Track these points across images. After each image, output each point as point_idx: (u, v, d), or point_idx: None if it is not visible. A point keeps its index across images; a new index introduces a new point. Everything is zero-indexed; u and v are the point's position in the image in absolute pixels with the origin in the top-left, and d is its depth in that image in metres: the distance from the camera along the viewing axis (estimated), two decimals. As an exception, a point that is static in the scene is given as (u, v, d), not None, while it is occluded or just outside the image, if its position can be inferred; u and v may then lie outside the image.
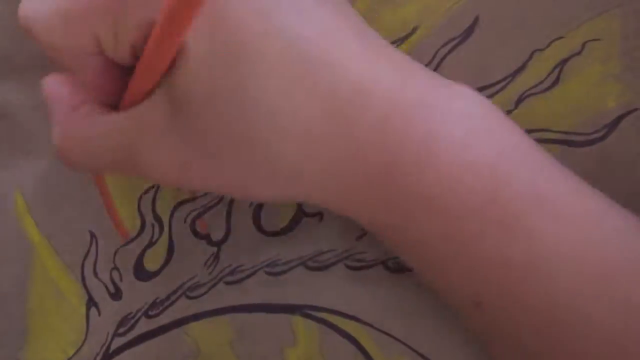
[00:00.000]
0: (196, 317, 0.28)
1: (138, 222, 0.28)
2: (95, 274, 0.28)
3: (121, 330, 0.28)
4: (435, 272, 0.24)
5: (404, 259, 0.25)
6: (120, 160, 0.23)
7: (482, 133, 0.23)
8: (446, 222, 0.22)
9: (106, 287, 0.28)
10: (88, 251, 0.28)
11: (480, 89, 0.28)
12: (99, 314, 0.28)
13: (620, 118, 0.28)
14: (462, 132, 0.22)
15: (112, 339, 0.28)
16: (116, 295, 0.28)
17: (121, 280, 0.28)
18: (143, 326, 0.28)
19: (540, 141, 0.28)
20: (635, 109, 0.28)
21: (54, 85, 0.24)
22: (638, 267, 0.22)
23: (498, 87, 0.28)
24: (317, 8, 0.22)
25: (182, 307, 0.28)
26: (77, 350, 0.28)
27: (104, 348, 0.28)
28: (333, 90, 0.21)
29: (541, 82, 0.28)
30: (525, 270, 0.21)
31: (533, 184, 0.22)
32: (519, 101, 0.28)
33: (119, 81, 0.24)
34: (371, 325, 0.27)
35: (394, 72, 0.23)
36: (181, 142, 0.22)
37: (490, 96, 0.28)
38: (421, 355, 0.27)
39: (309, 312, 0.28)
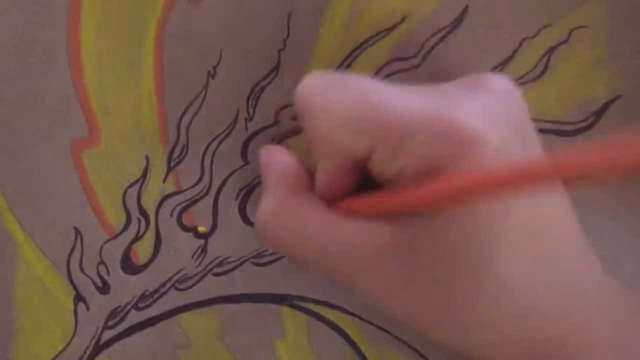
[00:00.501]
0: (186, 308, 0.28)
1: (123, 217, 0.27)
2: (82, 269, 0.27)
3: (111, 323, 0.28)
4: None
5: None
6: (324, 263, 0.23)
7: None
8: None
9: (93, 281, 0.27)
10: (73, 247, 0.27)
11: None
12: (88, 309, 0.28)
13: (607, 105, 0.28)
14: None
15: (101, 332, 0.28)
16: (104, 289, 0.28)
17: (108, 274, 0.28)
18: (133, 318, 0.28)
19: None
20: (621, 96, 0.28)
21: (278, 162, 0.24)
22: None
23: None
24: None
25: (171, 299, 0.28)
26: (67, 345, 0.28)
27: (94, 341, 0.28)
28: (551, 285, 0.22)
29: (531, 71, 0.28)
30: None
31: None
32: (508, 89, 0.28)
33: (351, 185, 0.24)
34: (359, 317, 0.28)
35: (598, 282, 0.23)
36: (399, 276, 0.22)
37: (479, 85, 0.28)
38: (409, 347, 0.28)
39: (297, 302, 0.28)
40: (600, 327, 0.23)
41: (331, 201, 0.24)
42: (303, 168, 0.24)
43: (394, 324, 0.28)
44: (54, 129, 0.27)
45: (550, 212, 0.23)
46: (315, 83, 0.23)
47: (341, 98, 0.22)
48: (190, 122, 0.27)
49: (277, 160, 0.25)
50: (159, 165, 0.27)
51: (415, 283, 0.22)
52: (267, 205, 0.24)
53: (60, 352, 0.28)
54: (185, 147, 0.27)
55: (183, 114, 0.27)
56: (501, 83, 0.24)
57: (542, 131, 0.28)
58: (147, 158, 0.27)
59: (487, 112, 0.22)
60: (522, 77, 0.28)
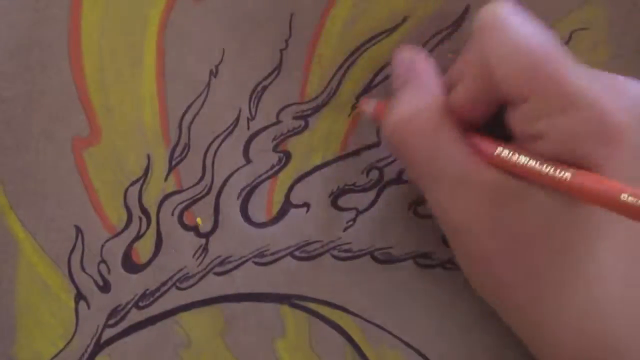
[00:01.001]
0: (186, 307, 0.28)
1: (124, 215, 0.27)
2: (83, 268, 0.27)
3: (111, 321, 0.28)
4: None
5: None
6: (435, 178, 0.23)
7: None
8: None
9: (94, 280, 0.27)
10: (74, 245, 0.27)
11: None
12: (88, 307, 0.28)
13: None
14: None
15: (102, 330, 0.28)
16: (105, 288, 0.27)
17: (109, 273, 0.27)
18: (134, 317, 0.28)
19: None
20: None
21: (430, 66, 0.25)
22: None
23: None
24: None
25: (172, 298, 0.28)
26: (68, 343, 0.28)
27: (95, 339, 0.28)
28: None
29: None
30: None
31: None
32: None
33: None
34: (360, 316, 0.28)
35: None
36: (508, 228, 0.23)
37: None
38: (410, 347, 0.28)
39: (298, 302, 0.28)
40: None
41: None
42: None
43: (395, 323, 0.28)
44: (55, 128, 0.27)
45: None
46: (510, 10, 0.23)
47: (530, 35, 0.22)
48: (192, 121, 0.27)
49: (425, 65, 0.25)
50: (160, 164, 0.27)
51: (517, 243, 0.23)
52: (413, 104, 0.24)
53: (61, 350, 0.28)
54: (187, 146, 0.27)
55: (185, 113, 0.27)
56: (637, 89, 0.24)
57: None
58: (148, 157, 0.27)
59: (634, 113, 0.22)
60: None
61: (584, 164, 0.21)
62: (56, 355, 0.28)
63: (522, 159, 0.22)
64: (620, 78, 0.24)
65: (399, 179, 0.28)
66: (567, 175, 0.21)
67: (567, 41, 0.27)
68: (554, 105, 0.22)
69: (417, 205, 0.28)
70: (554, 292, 0.23)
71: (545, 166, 0.22)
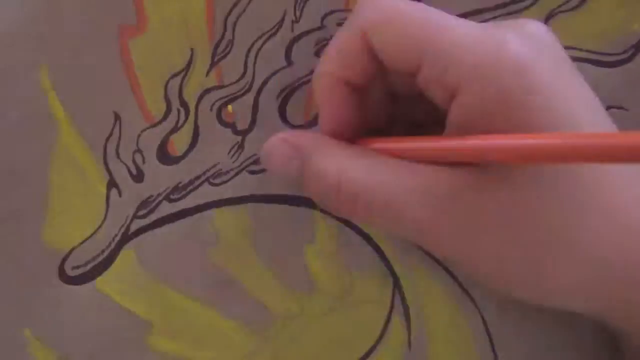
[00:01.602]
0: (218, 203, 0.28)
1: (163, 106, 0.27)
2: (118, 155, 0.27)
3: (141, 212, 0.27)
4: None
5: None
6: (412, 219, 0.23)
7: None
8: None
9: (128, 168, 0.27)
10: (111, 132, 0.27)
11: (512, 2, 0.28)
12: (120, 195, 0.27)
13: (645, 40, 0.28)
14: None
15: (131, 221, 0.27)
16: (138, 177, 0.27)
17: (144, 162, 0.27)
18: (164, 209, 0.27)
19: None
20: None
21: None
22: None
23: (529, 1, 0.28)
24: None
25: (204, 193, 0.28)
26: (96, 230, 0.27)
27: (123, 229, 0.27)
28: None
29: (570, 0, 0.28)
30: None
31: None
32: (549, 17, 0.28)
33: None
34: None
35: None
36: (468, 218, 0.22)
37: (521, 10, 0.28)
38: (438, 263, 0.27)
39: (329, 208, 0.28)
40: None
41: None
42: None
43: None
44: (102, 15, 0.27)
45: None
46: None
47: (406, 4, 0.23)
48: (237, 18, 0.27)
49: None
50: (203, 59, 0.27)
51: (494, 229, 0.22)
52: (329, 166, 0.24)
53: (89, 237, 0.27)
54: (231, 42, 0.27)
55: (231, 9, 0.27)
56: (537, 26, 0.24)
57: (579, 59, 0.28)
58: (192, 50, 0.27)
59: (533, 44, 0.22)
60: (561, 5, 0.28)
61: (506, 109, 0.21)
62: (83, 242, 0.27)
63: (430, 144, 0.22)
64: (522, 19, 0.24)
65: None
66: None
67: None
68: (447, 55, 0.22)
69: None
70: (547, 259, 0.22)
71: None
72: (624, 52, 0.28)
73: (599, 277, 0.22)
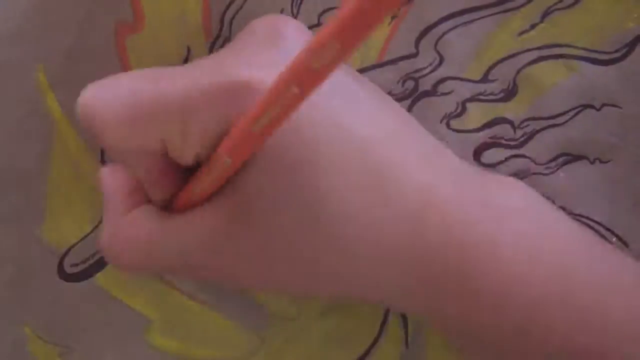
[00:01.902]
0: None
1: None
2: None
3: (139, 211, 0.28)
4: None
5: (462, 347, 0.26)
6: (174, 264, 0.23)
7: (543, 225, 0.23)
8: (515, 316, 0.22)
9: (125, 167, 0.28)
10: (109, 130, 0.27)
11: (509, 0, 0.28)
12: (118, 194, 0.28)
13: (638, 38, 0.28)
14: (523, 226, 0.23)
15: (129, 219, 0.28)
16: (135, 176, 0.28)
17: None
18: (161, 208, 0.28)
19: (564, 56, 0.28)
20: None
21: (111, 179, 0.24)
22: None
23: (525, -1, 0.28)
24: (381, 111, 0.23)
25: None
26: (94, 228, 0.27)
27: (121, 227, 0.28)
28: (401, 193, 0.22)
29: (565, -2, 0.28)
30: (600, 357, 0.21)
31: (602, 270, 0.23)
32: (545, 15, 0.28)
33: (178, 181, 0.23)
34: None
35: (452, 175, 0.23)
36: (237, 244, 0.22)
37: (517, 8, 0.28)
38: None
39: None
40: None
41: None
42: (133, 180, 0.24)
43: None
44: (99, 11, 0.27)
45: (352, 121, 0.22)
46: (92, 93, 0.22)
47: (114, 97, 0.22)
48: (233, 16, 0.27)
49: (111, 177, 0.24)
50: (199, 56, 0.27)
51: (260, 251, 0.22)
52: (104, 233, 0.24)
53: (87, 235, 0.28)
54: (228, 40, 0.27)
55: (228, 6, 0.27)
56: (293, 29, 0.24)
57: (575, 57, 0.28)
58: (188, 49, 0.27)
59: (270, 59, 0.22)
60: (556, 3, 0.28)
61: None
62: (82, 240, 0.28)
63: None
64: (280, 21, 0.24)
65: (434, 91, 0.28)
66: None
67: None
68: (182, 121, 0.21)
69: (450, 119, 0.28)
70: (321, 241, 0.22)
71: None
72: (618, 50, 0.28)
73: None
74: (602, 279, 0.23)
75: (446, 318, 0.23)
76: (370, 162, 0.21)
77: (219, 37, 0.27)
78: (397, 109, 0.25)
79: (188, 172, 0.23)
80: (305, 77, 0.16)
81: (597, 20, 0.28)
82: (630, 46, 0.28)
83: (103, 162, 0.27)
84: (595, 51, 0.28)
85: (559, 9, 0.28)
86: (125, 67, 0.27)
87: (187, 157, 0.22)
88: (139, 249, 0.23)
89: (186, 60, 0.27)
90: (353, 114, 0.22)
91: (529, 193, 0.24)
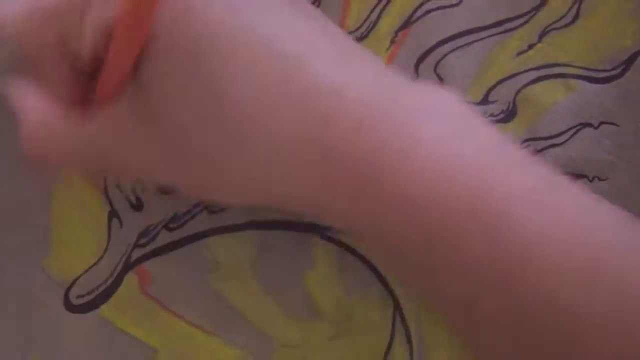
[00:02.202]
0: (217, 231, 0.28)
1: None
2: (118, 185, 0.28)
3: (142, 241, 0.28)
4: (421, 277, 0.22)
5: (385, 265, 0.25)
6: (92, 161, 0.23)
7: (460, 130, 0.21)
8: (430, 224, 0.20)
9: (128, 198, 0.28)
10: (111, 162, 0.27)
11: (507, 21, 0.28)
12: (121, 225, 0.28)
13: (636, 54, 0.28)
14: (440, 129, 0.21)
15: (132, 250, 0.28)
16: (138, 206, 0.28)
17: (143, 191, 0.28)
18: (163, 238, 0.28)
19: (562, 75, 0.28)
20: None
21: (22, 88, 0.23)
22: (627, 258, 0.20)
23: (522, 20, 0.28)
24: (287, 8, 0.22)
25: (203, 221, 0.28)
26: (99, 260, 0.28)
27: (124, 258, 0.28)
28: (306, 90, 0.20)
29: (563, 17, 0.28)
30: (516, 267, 0.20)
31: (519, 179, 0.21)
32: (542, 35, 0.28)
33: (80, 84, 0.23)
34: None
35: (367, 73, 0.22)
36: (149, 141, 0.22)
37: (515, 29, 0.28)
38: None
39: (328, 233, 0.28)
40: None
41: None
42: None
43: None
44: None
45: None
46: None
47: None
48: None
49: (18, 89, 0.24)
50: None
51: (168, 144, 0.21)
52: (25, 135, 0.23)
53: (92, 267, 0.28)
54: None
55: None
56: None
57: (573, 76, 0.28)
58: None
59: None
60: (553, 23, 0.28)
61: None
62: (86, 271, 0.28)
63: None
64: None
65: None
66: None
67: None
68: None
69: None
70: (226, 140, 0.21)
71: None
72: (615, 67, 0.28)
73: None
74: (528, 185, 0.21)
75: (361, 232, 0.22)
76: (276, 54, 0.20)
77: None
78: (313, 12, 0.24)
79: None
80: None
81: (594, 39, 0.28)
82: (627, 64, 0.28)
83: (106, 192, 0.28)
84: (593, 69, 0.28)
85: (556, 29, 0.28)
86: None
87: (85, 54, 0.22)
88: (59, 147, 0.23)
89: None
90: (258, 8, 0.21)
91: (461, 102, 0.22)
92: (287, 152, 0.21)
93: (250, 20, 0.21)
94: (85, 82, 0.23)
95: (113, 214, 0.28)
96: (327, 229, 0.28)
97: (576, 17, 0.28)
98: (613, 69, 0.28)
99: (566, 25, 0.28)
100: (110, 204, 0.28)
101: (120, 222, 0.28)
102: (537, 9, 0.28)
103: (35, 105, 0.23)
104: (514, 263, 0.20)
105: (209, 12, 0.20)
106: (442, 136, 0.21)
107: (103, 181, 0.28)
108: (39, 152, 0.23)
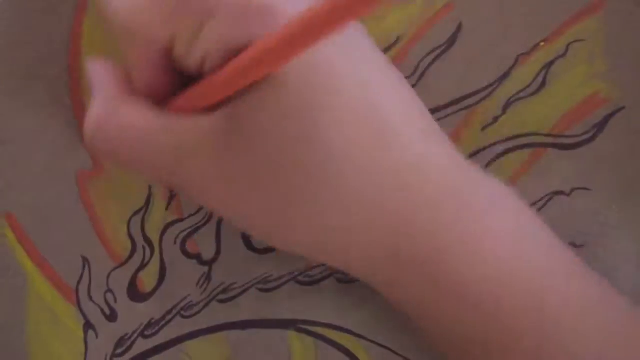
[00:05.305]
0: (192, 335, 0.28)
1: (129, 245, 0.28)
2: (90, 297, 0.28)
3: (119, 350, 0.28)
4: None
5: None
6: (162, 168, 0.22)
7: (525, 230, 0.23)
8: (475, 315, 0.22)
9: (101, 309, 0.28)
10: (81, 275, 0.28)
11: (466, 97, 0.27)
12: (97, 337, 0.28)
13: (608, 117, 0.27)
14: (510, 225, 0.23)
15: (110, 360, 0.28)
16: (112, 317, 0.28)
17: (116, 302, 0.28)
18: (140, 346, 0.28)
19: (530, 145, 0.27)
20: (623, 108, 0.27)
21: (102, 68, 0.23)
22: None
23: (484, 93, 0.27)
24: (393, 74, 0.23)
25: (177, 327, 0.28)
26: (76, 371, 0.28)
27: (103, 369, 0.28)
28: (400, 158, 0.21)
29: (528, 87, 0.27)
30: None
31: (577, 286, 0.23)
32: (507, 106, 0.28)
33: (170, 87, 0.22)
34: (365, 338, 0.28)
35: (447, 153, 0.23)
36: (229, 163, 0.21)
37: (476, 103, 0.27)
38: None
39: (304, 326, 0.28)
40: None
41: (163, 102, 0.23)
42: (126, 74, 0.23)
43: (401, 344, 0.28)
44: (58, 163, 0.27)
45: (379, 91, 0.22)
46: None
47: None
48: None
49: (101, 66, 0.23)
50: (161, 194, 0.28)
51: (249, 173, 0.21)
52: (95, 110, 0.22)
53: (70, 378, 0.28)
54: None
55: None
56: None
57: (542, 145, 0.27)
58: (149, 187, 0.28)
59: None
60: (519, 92, 0.27)
61: None
62: (66, 386, 0.28)
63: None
64: None
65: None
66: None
67: (564, 53, 0.27)
68: (196, 23, 0.20)
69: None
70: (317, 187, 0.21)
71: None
72: (586, 132, 0.28)
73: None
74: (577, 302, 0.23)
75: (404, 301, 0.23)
76: (379, 119, 0.21)
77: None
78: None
79: (181, 85, 0.22)
80: (323, 23, 0.16)
81: (565, 104, 0.28)
82: (599, 127, 0.27)
83: (79, 306, 0.28)
84: (562, 136, 0.27)
85: (520, 99, 0.28)
86: (90, 212, 0.27)
87: (191, 59, 0.21)
88: (132, 137, 0.22)
89: (149, 199, 0.27)
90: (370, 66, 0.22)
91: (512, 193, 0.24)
92: (366, 211, 0.21)
93: (365, 78, 0.22)
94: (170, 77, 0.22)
95: (88, 327, 0.28)
96: (300, 322, 0.28)
97: (543, 84, 0.27)
98: (584, 133, 0.28)
99: (531, 95, 0.27)
100: (85, 316, 0.28)
101: (96, 334, 0.28)
102: (500, 80, 0.27)
103: (114, 83, 0.23)
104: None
105: (329, 60, 0.21)
106: (508, 232, 0.22)
107: (75, 295, 0.28)
108: (110, 143, 0.22)
